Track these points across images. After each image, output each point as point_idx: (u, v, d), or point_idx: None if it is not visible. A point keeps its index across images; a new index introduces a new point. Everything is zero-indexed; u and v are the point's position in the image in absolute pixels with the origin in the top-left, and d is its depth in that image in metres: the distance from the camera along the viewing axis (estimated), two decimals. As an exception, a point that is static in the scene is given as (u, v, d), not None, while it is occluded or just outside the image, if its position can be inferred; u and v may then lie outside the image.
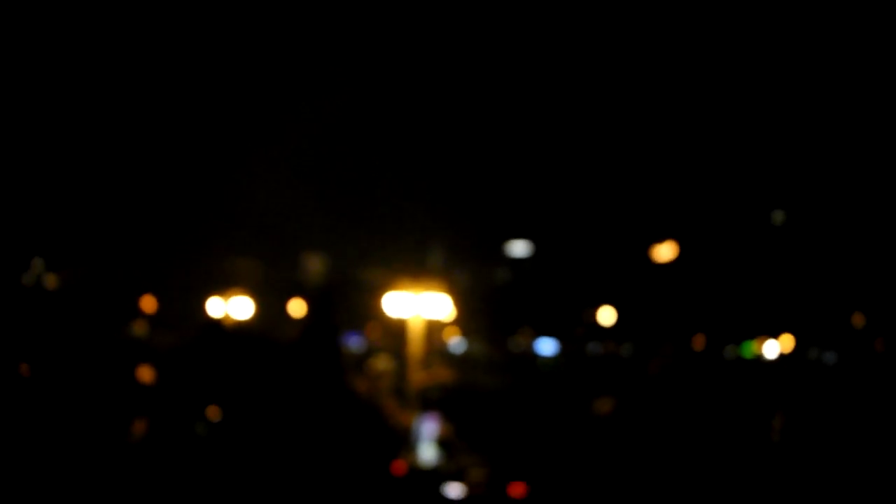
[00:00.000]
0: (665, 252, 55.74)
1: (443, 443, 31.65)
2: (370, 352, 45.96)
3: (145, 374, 32.88)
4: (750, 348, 49.94)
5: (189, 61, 46.73)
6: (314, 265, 54.10)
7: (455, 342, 52.70)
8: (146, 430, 27.84)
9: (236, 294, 38.72)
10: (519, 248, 60.24)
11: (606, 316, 53.57)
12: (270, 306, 45.22)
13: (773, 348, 48.95)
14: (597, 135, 53.26)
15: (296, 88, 49.09)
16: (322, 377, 29.55)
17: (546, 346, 53.07)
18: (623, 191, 54.08)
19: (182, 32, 45.49)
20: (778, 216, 53.79)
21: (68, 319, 38.14)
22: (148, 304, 46.18)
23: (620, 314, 53.30)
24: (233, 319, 37.22)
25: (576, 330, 53.68)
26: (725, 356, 49.55)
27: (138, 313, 45.52)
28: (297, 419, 26.80)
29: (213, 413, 28.74)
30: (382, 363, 43.05)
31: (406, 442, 30.95)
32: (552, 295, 55.26)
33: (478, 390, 40.38)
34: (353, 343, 46.02)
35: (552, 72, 52.97)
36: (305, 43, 49.87)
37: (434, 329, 42.88)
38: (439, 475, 28.90)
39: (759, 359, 48.92)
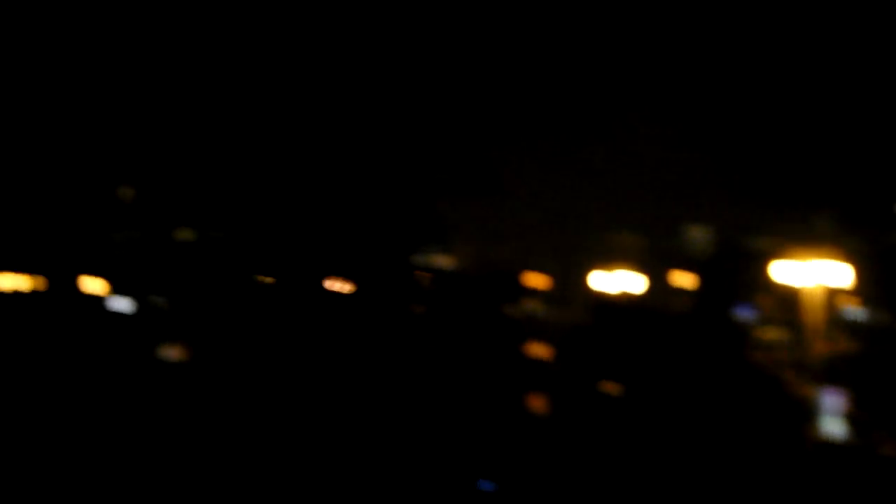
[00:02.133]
0: None
1: (849, 416, 30.51)
2: (761, 323, 44.92)
3: (542, 350, 33.63)
4: None
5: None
6: (698, 235, 53.39)
7: (853, 311, 50.45)
8: (548, 406, 28.56)
9: (622, 268, 38.81)
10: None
11: None
12: (654, 279, 45.20)
13: None
14: None
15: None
16: (718, 349, 29.24)
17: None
18: None
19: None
20: None
21: (463, 297, 39.51)
22: (539, 280, 47.09)
23: None
24: (626, 294, 37.40)
25: None
26: None
27: (530, 291, 46.51)
28: (696, 389, 26.71)
29: (613, 388, 29.05)
30: (773, 334, 41.98)
31: (809, 414, 30.09)
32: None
33: (881, 361, 38.53)
34: (745, 314, 45.11)
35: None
36: None
37: (831, 297, 41.30)
38: (847, 449, 28.01)
39: None
